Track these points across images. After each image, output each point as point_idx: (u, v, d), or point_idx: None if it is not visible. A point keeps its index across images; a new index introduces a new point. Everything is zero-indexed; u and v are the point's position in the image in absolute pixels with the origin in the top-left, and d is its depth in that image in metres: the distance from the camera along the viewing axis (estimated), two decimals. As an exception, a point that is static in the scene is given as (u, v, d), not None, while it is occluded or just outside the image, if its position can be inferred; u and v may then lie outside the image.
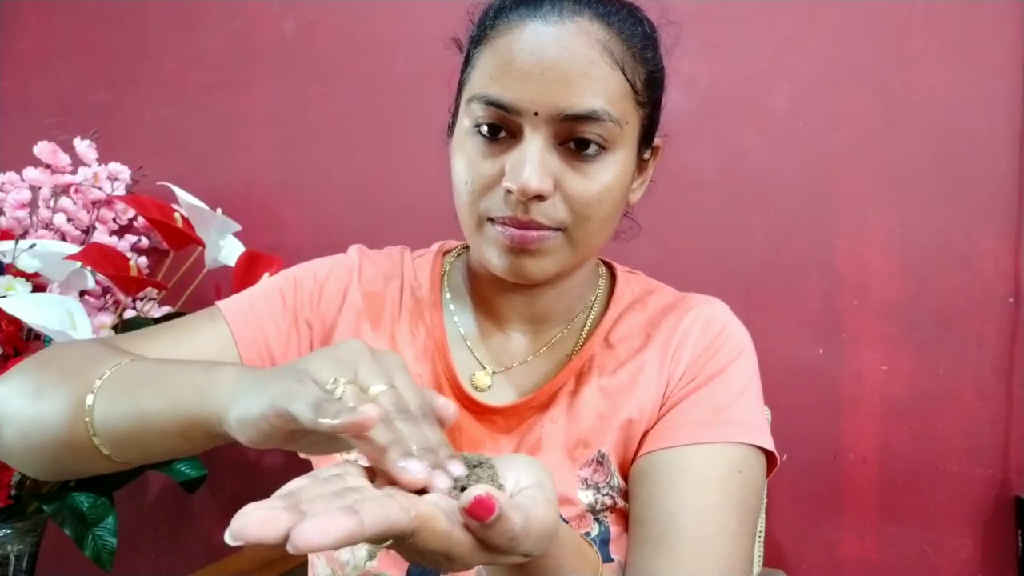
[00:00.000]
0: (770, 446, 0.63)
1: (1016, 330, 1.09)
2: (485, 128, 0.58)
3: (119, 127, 1.34)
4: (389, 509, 0.33)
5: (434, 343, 0.67)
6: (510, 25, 0.58)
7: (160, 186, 1.18)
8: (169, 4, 1.34)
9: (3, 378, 0.57)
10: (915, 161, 1.12)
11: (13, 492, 0.96)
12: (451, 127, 0.66)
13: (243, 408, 0.41)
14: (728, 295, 0.74)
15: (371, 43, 1.28)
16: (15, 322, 0.95)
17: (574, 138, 0.57)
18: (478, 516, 0.34)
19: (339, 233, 1.28)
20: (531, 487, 0.39)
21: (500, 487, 0.39)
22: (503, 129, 0.58)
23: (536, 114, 0.56)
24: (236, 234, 1.16)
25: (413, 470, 0.37)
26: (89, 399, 0.51)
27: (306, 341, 0.68)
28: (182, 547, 1.32)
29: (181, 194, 1.11)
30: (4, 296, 0.92)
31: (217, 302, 0.69)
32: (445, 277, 0.72)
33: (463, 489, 0.37)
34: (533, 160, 0.56)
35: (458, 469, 0.38)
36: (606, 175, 0.58)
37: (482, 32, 0.61)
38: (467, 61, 0.63)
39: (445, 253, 0.75)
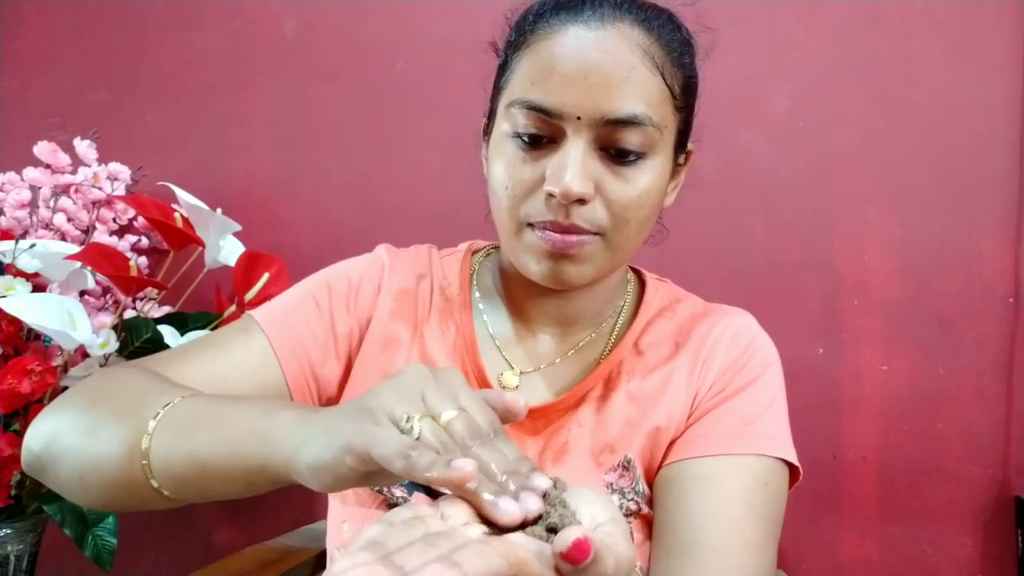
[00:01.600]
0: (795, 460, 0.65)
1: (1016, 330, 1.09)
2: (526, 137, 0.58)
3: (119, 127, 1.34)
4: (490, 558, 0.32)
5: (463, 342, 0.67)
6: (551, 30, 0.58)
7: (160, 186, 1.18)
8: (169, 4, 1.34)
9: (54, 409, 0.56)
10: (915, 161, 1.12)
11: (13, 492, 0.96)
12: (486, 132, 0.66)
13: (315, 454, 0.41)
14: (728, 295, 0.74)
15: (371, 43, 1.28)
16: (15, 322, 0.95)
17: (616, 143, 0.57)
18: (575, 560, 0.33)
19: (339, 233, 1.28)
20: (608, 523, 0.37)
21: (578, 523, 0.38)
22: (544, 133, 0.58)
23: (579, 118, 0.56)
24: (236, 234, 1.16)
25: (508, 510, 0.36)
26: (145, 442, 0.50)
27: (344, 348, 0.67)
28: (182, 547, 1.32)
29: (181, 194, 1.11)
30: (4, 296, 0.92)
31: (250, 312, 0.68)
32: (474, 277, 0.73)
33: (550, 529, 0.36)
34: (575, 164, 0.56)
35: (543, 482, 0.38)
36: (645, 179, 0.59)
37: (521, 37, 0.61)
38: (504, 66, 0.63)
39: (474, 253, 0.75)
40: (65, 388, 1.02)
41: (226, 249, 1.16)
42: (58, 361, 1.00)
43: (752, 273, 1.16)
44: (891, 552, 1.11)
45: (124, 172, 1.23)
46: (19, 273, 0.98)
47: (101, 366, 1.02)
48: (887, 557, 1.11)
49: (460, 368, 0.66)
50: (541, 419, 0.65)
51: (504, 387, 0.67)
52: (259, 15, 1.31)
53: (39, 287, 1.03)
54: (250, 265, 1.09)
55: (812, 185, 1.15)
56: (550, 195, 0.57)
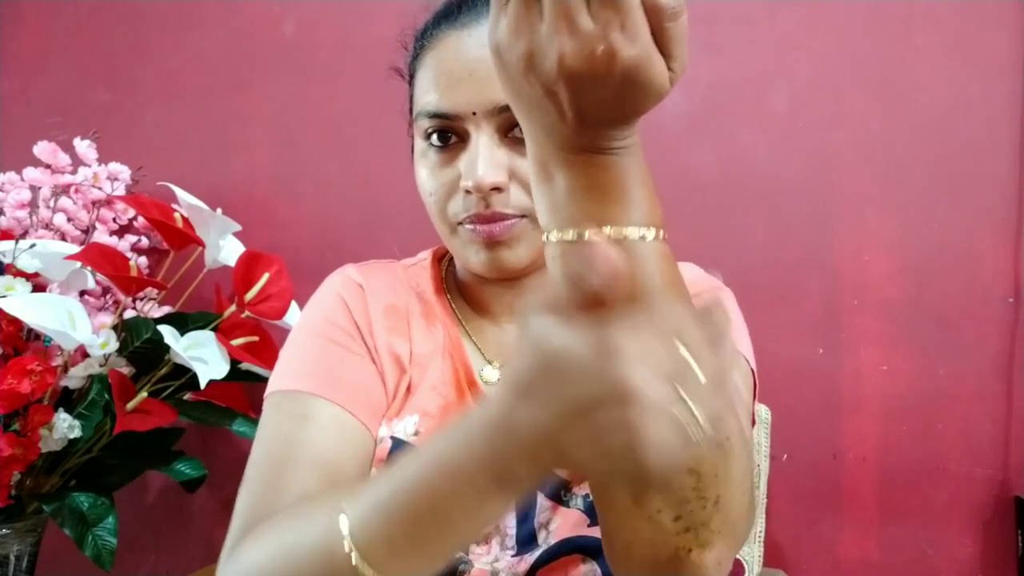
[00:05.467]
0: (754, 366, 0.65)
1: (1016, 330, 1.09)
2: (435, 137, 0.62)
3: (119, 127, 1.34)
4: None
5: (451, 341, 0.70)
6: (435, 41, 0.62)
7: (160, 186, 1.18)
8: (169, 4, 1.34)
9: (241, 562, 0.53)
10: (915, 161, 1.12)
11: (13, 492, 0.96)
12: (413, 151, 0.69)
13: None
14: (728, 295, 0.74)
15: (371, 43, 1.28)
16: (15, 322, 0.95)
17: (517, 124, 0.59)
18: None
19: (339, 233, 1.28)
20: None
21: None
22: (452, 134, 0.61)
23: (474, 113, 0.59)
24: (236, 234, 1.16)
25: None
26: (343, 524, 0.44)
27: (374, 367, 0.67)
28: (182, 547, 1.32)
29: (181, 194, 1.11)
30: (4, 296, 0.92)
31: (284, 387, 0.63)
32: (444, 281, 0.75)
33: None
34: (483, 156, 0.59)
35: None
36: None
37: (414, 54, 0.66)
38: (410, 85, 0.67)
39: (440, 258, 0.78)
40: (65, 388, 1.02)
41: (226, 249, 1.16)
42: (58, 361, 1.00)
43: (752, 273, 1.16)
44: (891, 552, 1.11)
45: (124, 172, 1.23)
46: (19, 273, 0.98)
47: (101, 366, 1.02)
48: (887, 557, 1.11)
49: (450, 366, 0.68)
50: None
51: (486, 382, 0.68)
52: (259, 15, 1.31)
53: (39, 287, 1.03)
54: (250, 265, 1.09)
55: (812, 185, 1.15)
56: (467, 191, 0.60)
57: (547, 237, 0.43)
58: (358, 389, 0.64)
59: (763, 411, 1.04)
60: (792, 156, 1.15)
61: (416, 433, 0.65)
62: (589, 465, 0.36)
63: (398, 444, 0.64)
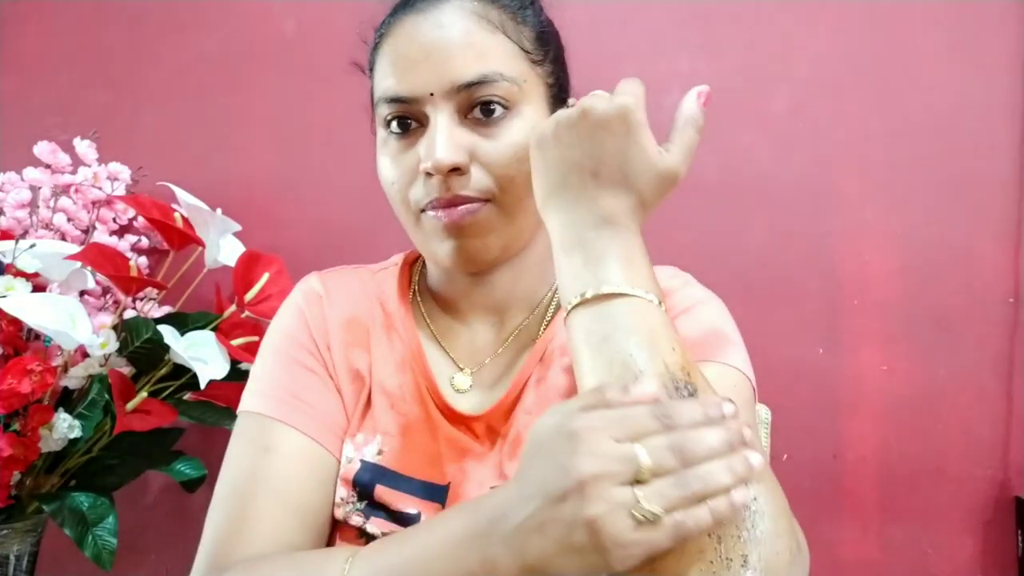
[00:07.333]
0: (750, 374, 0.63)
1: (1016, 330, 1.09)
2: (395, 124, 0.60)
3: (119, 127, 1.34)
4: None
5: (411, 354, 0.67)
6: (392, 29, 0.62)
7: (160, 186, 1.18)
8: (169, 4, 1.34)
9: None
10: (915, 161, 1.12)
11: (13, 492, 0.96)
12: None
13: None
14: (728, 296, 0.74)
15: (372, 43, 1.28)
16: (15, 322, 0.95)
17: (477, 104, 0.58)
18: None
19: (339, 233, 1.28)
20: None
21: None
22: (411, 120, 0.60)
23: (432, 95, 0.58)
24: (236, 234, 1.16)
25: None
26: None
27: (333, 386, 0.66)
28: (182, 547, 1.32)
29: (181, 194, 1.11)
30: (4, 296, 0.92)
31: (252, 408, 0.64)
32: (415, 285, 0.73)
33: None
34: (441, 136, 0.57)
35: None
36: (518, 135, 0.59)
37: (373, 45, 0.65)
38: (370, 77, 0.66)
39: (412, 263, 0.75)
40: (65, 388, 1.02)
41: (226, 249, 1.16)
42: (58, 361, 1.00)
43: (752, 273, 1.16)
44: (891, 552, 1.11)
45: (124, 172, 1.23)
46: (19, 273, 0.98)
47: (101, 366, 1.02)
48: (887, 557, 1.11)
49: (411, 382, 0.66)
50: (495, 420, 0.64)
51: (457, 390, 0.66)
52: (259, 15, 1.31)
53: (39, 287, 1.03)
54: (250, 265, 1.09)
55: (812, 185, 1.15)
56: (428, 174, 0.58)
57: (568, 306, 0.50)
58: (321, 412, 0.64)
59: (763, 411, 1.04)
60: (792, 156, 1.15)
61: (380, 453, 0.63)
62: (564, 566, 0.40)
63: (366, 466, 0.62)
